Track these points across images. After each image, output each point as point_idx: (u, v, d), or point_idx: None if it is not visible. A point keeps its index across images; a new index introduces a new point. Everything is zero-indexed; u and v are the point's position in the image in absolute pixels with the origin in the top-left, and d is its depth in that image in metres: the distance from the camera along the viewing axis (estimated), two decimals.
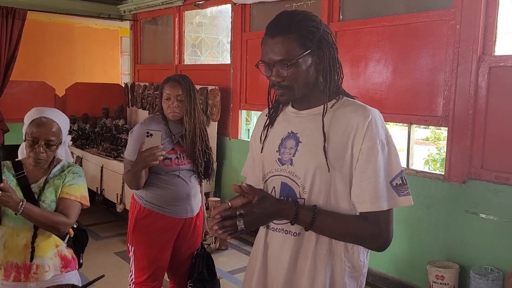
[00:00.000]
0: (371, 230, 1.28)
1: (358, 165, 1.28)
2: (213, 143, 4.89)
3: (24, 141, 1.93)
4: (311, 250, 1.34)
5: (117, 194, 4.61)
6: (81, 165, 5.26)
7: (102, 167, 4.92)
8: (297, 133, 1.38)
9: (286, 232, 1.37)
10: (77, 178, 1.99)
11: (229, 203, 1.25)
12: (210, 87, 5.04)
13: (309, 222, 1.28)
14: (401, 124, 4.99)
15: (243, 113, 5.11)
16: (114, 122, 6.20)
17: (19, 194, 1.84)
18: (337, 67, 1.37)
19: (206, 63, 6.69)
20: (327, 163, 1.29)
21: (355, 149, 1.29)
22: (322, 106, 1.34)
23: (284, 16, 1.31)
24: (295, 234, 1.35)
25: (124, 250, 4.12)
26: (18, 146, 2.11)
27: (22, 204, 1.76)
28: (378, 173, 1.26)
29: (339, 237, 1.33)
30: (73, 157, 5.36)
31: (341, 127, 1.31)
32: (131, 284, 2.53)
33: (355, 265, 1.36)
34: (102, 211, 5.34)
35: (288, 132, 1.39)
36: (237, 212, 1.22)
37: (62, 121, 1.97)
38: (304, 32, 1.28)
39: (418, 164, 5.07)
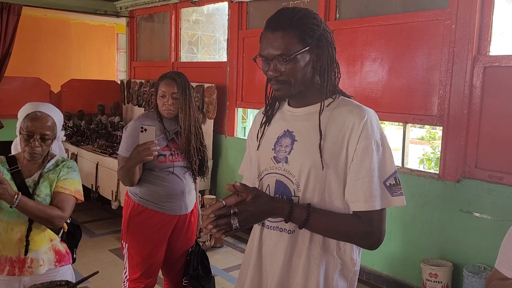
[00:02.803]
0: (364, 229, 1.29)
1: (353, 164, 1.29)
2: (209, 140, 4.89)
3: (19, 135, 1.92)
4: (305, 248, 1.34)
5: (112, 191, 4.60)
6: (76, 162, 5.24)
7: (97, 164, 4.90)
8: (293, 132, 1.38)
9: (280, 230, 1.37)
10: (72, 173, 2.00)
11: (223, 202, 1.25)
12: (206, 85, 5.03)
13: (303, 220, 1.28)
14: (396, 123, 5.01)
15: (239, 111, 5.11)
16: (109, 119, 6.18)
17: (14, 188, 1.84)
18: (334, 66, 1.37)
19: (203, 60, 6.68)
20: (321, 161, 1.29)
21: (350, 148, 1.29)
22: (318, 104, 1.34)
23: (286, 12, 1.31)
24: (289, 232, 1.36)
25: (119, 247, 4.12)
26: (11, 142, 2.10)
27: (17, 196, 1.76)
28: (372, 173, 1.27)
29: (332, 235, 1.33)
30: (68, 154, 5.36)
31: (337, 126, 1.31)
32: (125, 281, 2.52)
33: (346, 262, 1.36)
34: (97, 208, 5.33)
35: (284, 131, 1.40)
36: (231, 211, 1.22)
37: (56, 116, 1.98)
38: (305, 28, 1.29)
39: (413, 163, 5.08)
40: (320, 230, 1.32)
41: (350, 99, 1.39)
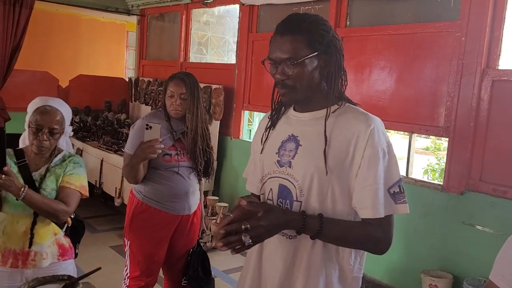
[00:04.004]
0: (375, 235, 1.30)
1: (360, 172, 1.29)
2: (214, 142, 4.89)
3: (28, 128, 1.94)
4: (306, 253, 1.34)
5: (115, 188, 4.62)
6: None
7: (102, 161, 4.93)
8: (297, 136, 1.38)
9: (282, 234, 1.36)
10: (78, 168, 2.02)
11: (231, 215, 1.22)
12: (214, 86, 5.05)
13: (316, 231, 1.27)
14: (402, 132, 5.01)
15: (246, 114, 5.12)
16: (116, 116, 6.21)
17: (20, 181, 1.86)
18: (341, 73, 1.38)
19: (212, 61, 6.70)
20: (325, 166, 1.30)
21: (356, 155, 1.29)
22: (324, 110, 1.35)
23: (296, 16, 1.33)
24: (290, 237, 1.35)
25: (120, 244, 4.12)
26: (19, 135, 2.12)
27: (24, 189, 1.78)
28: (378, 181, 1.28)
29: (343, 244, 1.33)
30: (73, 149, 5.38)
31: (342, 133, 1.32)
32: (126, 279, 2.54)
33: (344, 268, 1.36)
34: (99, 205, 5.35)
35: (289, 135, 1.40)
36: (243, 227, 1.17)
37: (65, 110, 2.00)
38: (314, 34, 1.30)
39: (417, 174, 5.07)
40: (332, 239, 1.31)
41: (356, 107, 1.40)
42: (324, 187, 1.31)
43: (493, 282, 1.24)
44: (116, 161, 4.63)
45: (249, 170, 1.59)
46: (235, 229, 1.18)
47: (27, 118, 1.95)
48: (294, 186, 1.35)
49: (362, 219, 1.31)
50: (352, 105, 1.40)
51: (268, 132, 1.47)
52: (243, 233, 1.17)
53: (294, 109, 1.44)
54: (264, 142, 1.47)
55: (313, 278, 1.34)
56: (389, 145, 1.32)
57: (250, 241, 1.17)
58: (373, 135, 1.28)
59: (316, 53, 1.30)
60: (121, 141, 5.20)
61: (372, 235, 1.30)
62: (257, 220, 1.20)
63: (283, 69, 1.31)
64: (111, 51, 8.48)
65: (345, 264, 1.36)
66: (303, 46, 1.29)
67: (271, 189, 1.41)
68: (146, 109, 6.08)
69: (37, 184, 1.92)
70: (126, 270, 2.54)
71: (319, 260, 1.34)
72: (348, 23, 3.95)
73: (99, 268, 1.59)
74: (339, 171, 1.30)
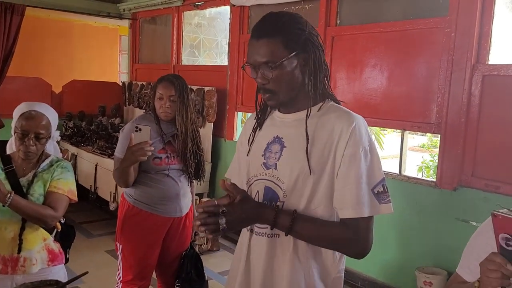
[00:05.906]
0: (349, 236, 1.28)
1: (341, 171, 1.28)
2: (208, 144, 4.90)
3: (14, 134, 1.94)
4: (289, 253, 1.34)
5: (110, 192, 4.60)
6: (75, 163, 5.25)
7: (96, 165, 4.91)
8: (282, 138, 1.38)
9: (269, 236, 1.36)
10: (66, 173, 2.01)
11: (215, 201, 1.26)
12: (207, 88, 5.04)
13: (287, 227, 1.28)
14: (398, 130, 5.01)
15: (239, 115, 5.12)
16: (110, 121, 6.19)
17: (7, 187, 1.85)
18: (323, 68, 1.36)
19: (204, 64, 6.70)
20: (309, 166, 1.29)
21: (337, 154, 1.28)
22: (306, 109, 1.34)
23: (270, 18, 1.31)
24: (270, 236, 1.35)
25: None
26: (6, 141, 2.11)
27: (10, 195, 1.77)
28: (360, 180, 1.26)
29: (317, 243, 1.33)
30: (67, 154, 5.37)
31: (325, 132, 1.31)
32: (119, 283, 2.53)
33: (326, 266, 1.36)
34: (95, 209, 5.33)
35: (274, 137, 1.40)
36: (220, 210, 1.22)
37: (51, 115, 1.99)
38: (289, 34, 1.28)
39: (412, 171, 5.07)
40: (305, 237, 1.31)
41: (339, 105, 1.39)
42: (307, 188, 1.30)
43: (459, 274, 1.25)
44: (110, 165, 4.59)
45: (233, 171, 1.57)
46: (213, 210, 1.23)
47: (13, 123, 1.95)
48: (280, 187, 1.34)
49: (341, 219, 1.30)
50: (336, 104, 1.39)
51: (255, 134, 1.47)
52: (220, 215, 1.23)
53: (279, 110, 1.44)
54: (251, 143, 1.46)
55: (296, 279, 1.34)
56: (371, 144, 1.31)
57: (225, 225, 1.23)
58: (354, 134, 1.27)
59: (294, 53, 1.29)
60: (115, 146, 5.16)
61: (347, 236, 1.28)
62: (233, 206, 1.26)
63: (263, 73, 1.30)
64: (104, 56, 8.47)
65: (328, 262, 1.36)
66: (279, 48, 1.27)
67: (257, 191, 1.40)
68: (140, 113, 6.05)
69: (24, 190, 1.91)
70: (119, 274, 2.53)
71: (301, 261, 1.34)
72: (338, 21, 3.95)
73: (86, 272, 1.59)
74: (322, 171, 1.30)
